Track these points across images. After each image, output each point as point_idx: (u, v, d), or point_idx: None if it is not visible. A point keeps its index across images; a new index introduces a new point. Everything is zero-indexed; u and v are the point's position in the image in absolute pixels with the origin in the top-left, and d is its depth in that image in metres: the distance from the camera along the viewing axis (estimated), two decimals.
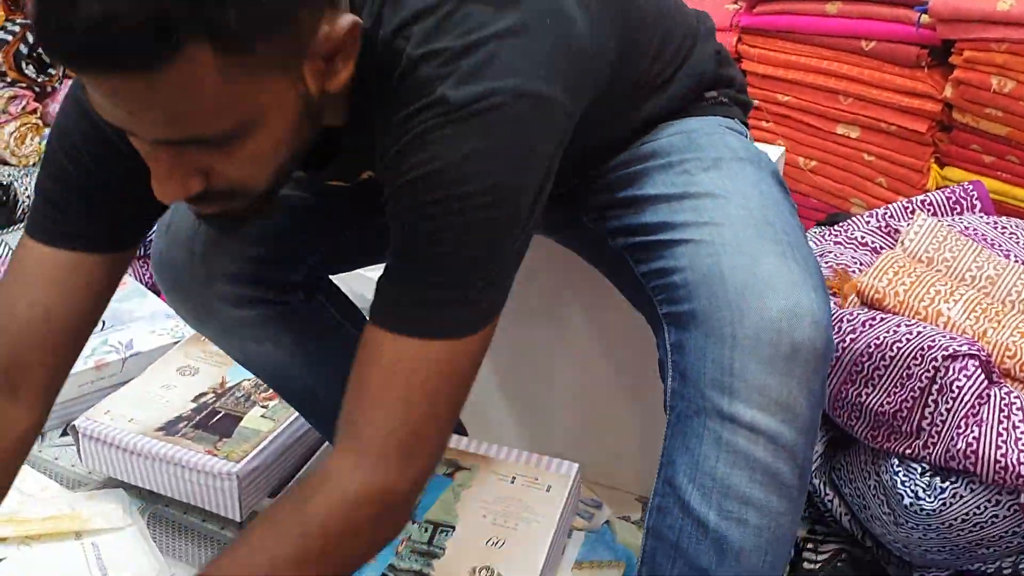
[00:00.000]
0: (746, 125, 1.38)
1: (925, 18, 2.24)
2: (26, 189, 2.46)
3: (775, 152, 1.75)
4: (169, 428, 1.69)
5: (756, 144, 1.35)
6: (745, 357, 1.04)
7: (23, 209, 2.46)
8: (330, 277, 1.46)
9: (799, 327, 1.04)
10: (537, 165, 1.01)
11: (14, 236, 2.34)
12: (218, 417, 1.73)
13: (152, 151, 0.90)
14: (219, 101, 0.85)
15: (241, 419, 1.72)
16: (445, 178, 0.95)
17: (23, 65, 2.60)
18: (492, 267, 1.01)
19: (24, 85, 2.66)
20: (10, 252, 2.30)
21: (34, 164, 2.70)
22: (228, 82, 0.85)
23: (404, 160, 0.96)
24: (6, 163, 2.67)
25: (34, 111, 2.70)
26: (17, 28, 2.57)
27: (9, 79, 2.62)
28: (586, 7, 1.05)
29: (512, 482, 1.40)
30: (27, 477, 1.76)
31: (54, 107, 2.74)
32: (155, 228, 1.31)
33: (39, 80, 2.65)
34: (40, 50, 2.60)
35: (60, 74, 2.69)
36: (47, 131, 2.74)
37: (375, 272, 1.92)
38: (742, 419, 1.04)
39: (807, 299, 1.06)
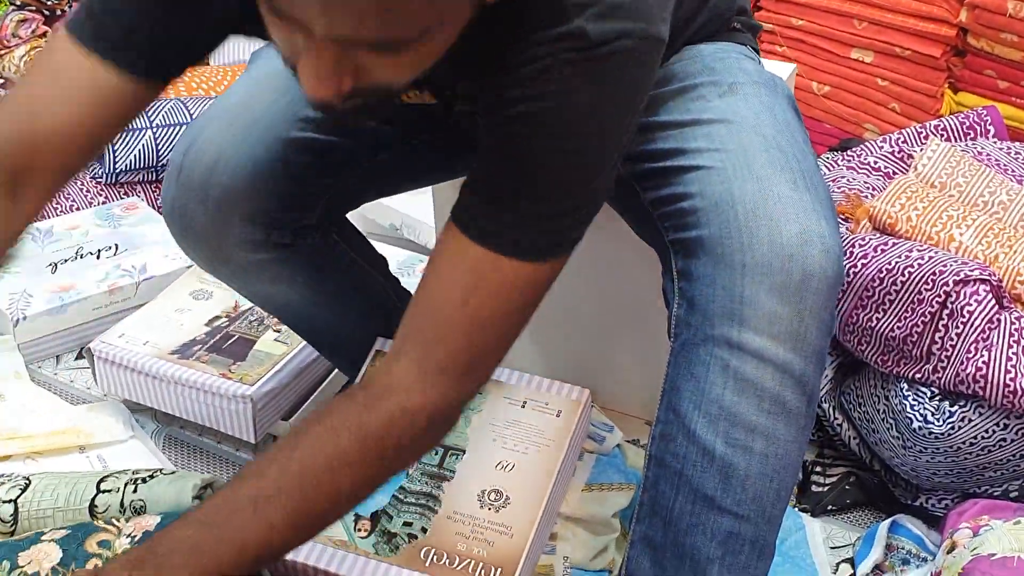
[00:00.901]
0: (757, 50, 1.36)
1: None
2: None
3: (786, 70, 1.74)
4: (183, 351, 1.71)
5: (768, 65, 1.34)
6: (755, 285, 1.03)
7: None
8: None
9: (810, 255, 1.04)
10: (640, 104, 1.02)
11: None
12: (232, 340, 1.74)
13: (319, 48, 0.86)
14: (422, 4, 0.84)
15: (255, 342, 1.73)
16: (567, 114, 0.96)
17: None
18: (588, 199, 1.02)
19: (33, 8, 2.63)
20: None
21: None
22: None
23: (530, 85, 0.96)
24: None
25: (44, 34, 2.68)
26: None
27: (19, 2, 2.60)
28: None
29: (523, 407, 1.41)
30: (22, 388, 1.79)
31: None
32: (167, 172, 1.30)
33: (48, 3, 2.63)
34: None
35: None
36: None
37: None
38: (750, 347, 1.04)
39: (818, 226, 1.05)
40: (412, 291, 1.13)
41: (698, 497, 1.08)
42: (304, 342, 1.72)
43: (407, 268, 1.97)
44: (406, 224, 2.16)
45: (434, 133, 1.36)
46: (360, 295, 1.44)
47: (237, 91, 1.31)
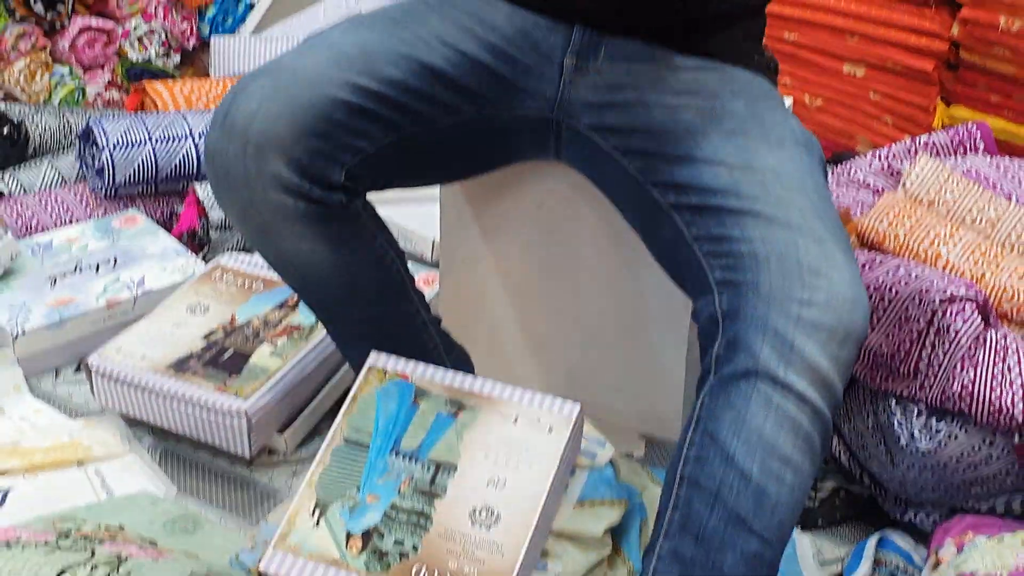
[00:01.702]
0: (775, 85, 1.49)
1: None
2: (37, 126, 2.47)
3: (786, 102, 1.77)
4: (179, 365, 1.72)
5: None
6: (806, 336, 1.14)
7: (34, 146, 2.47)
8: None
9: (856, 320, 1.16)
10: None
11: (26, 173, 2.35)
12: (228, 354, 1.75)
13: None
14: None
15: (250, 356, 1.75)
16: None
17: (31, 2, 2.60)
18: None
19: (33, 22, 2.65)
20: (23, 190, 2.32)
21: (44, 101, 2.71)
22: None
23: None
24: (16, 100, 2.68)
25: (43, 48, 2.70)
26: None
27: (18, 15, 2.62)
28: None
29: (515, 422, 1.42)
30: (21, 401, 1.81)
31: (63, 43, 2.74)
32: (211, 120, 1.35)
33: (47, 17, 2.65)
34: None
35: (68, 10, 2.69)
36: (57, 68, 2.74)
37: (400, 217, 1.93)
38: (794, 388, 1.14)
39: (863, 296, 1.18)
40: None
41: (732, 517, 1.16)
42: (299, 355, 1.74)
43: None
44: (403, 235, 2.19)
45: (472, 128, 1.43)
46: (377, 271, 1.47)
47: (286, 55, 1.38)
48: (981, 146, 1.93)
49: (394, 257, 1.48)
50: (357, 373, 1.51)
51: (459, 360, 1.62)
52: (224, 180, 1.35)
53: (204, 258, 2.19)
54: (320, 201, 1.34)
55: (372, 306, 1.50)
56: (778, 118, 1.34)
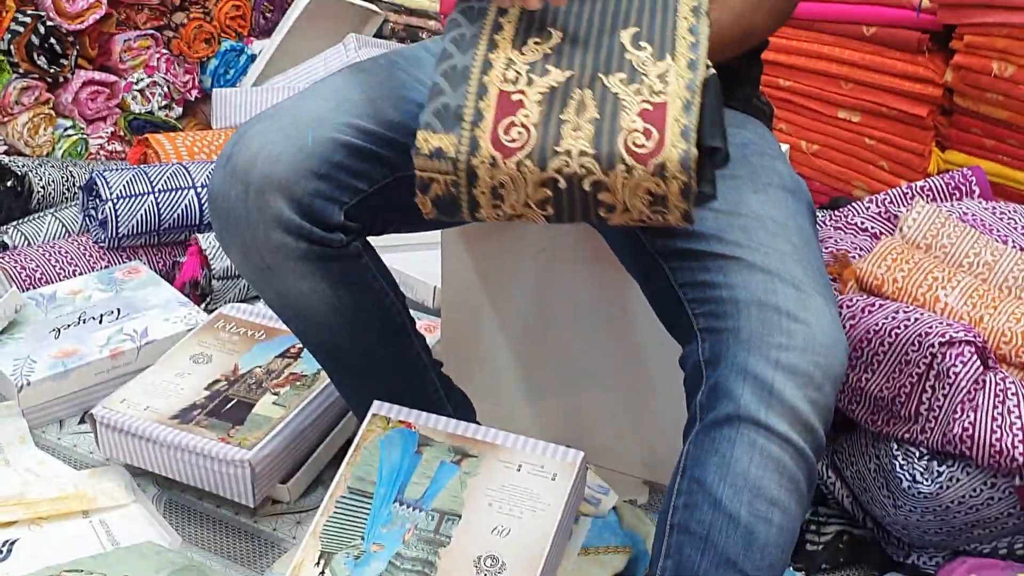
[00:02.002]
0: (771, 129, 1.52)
1: (926, 3, 2.25)
2: (40, 179, 2.50)
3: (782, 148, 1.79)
4: (183, 416, 1.73)
5: None
6: (785, 380, 1.15)
7: (38, 199, 2.49)
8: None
9: (834, 363, 1.18)
10: None
11: (30, 225, 2.37)
12: (231, 404, 1.76)
13: None
14: None
15: (253, 406, 1.75)
16: None
17: (35, 56, 2.62)
18: None
19: (36, 76, 2.68)
20: (27, 242, 2.33)
21: (47, 154, 2.73)
22: None
23: None
24: (20, 153, 2.70)
25: (46, 101, 2.72)
26: (28, 19, 2.59)
27: (22, 70, 2.64)
28: None
29: (518, 470, 1.43)
30: (26, 452, 1.82)
31: (66, 97, 2.76)
32: (215, 163, 1.38)
33: (51, 71, 2.67)
34: (51, 41, 2.63)
35: (71, 64, 2.72)
36: (60, 121, 2.76)
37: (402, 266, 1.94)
38: (776, 430, 1.15)
39: (842, 339, 1.19)
40: None
41: (722, 560, 1.17)
42: (302, 404, 1.75)
43: None
44: (404, 282, 2.20)
45: None
46: (377, 313, 1.48)
47: (287, 100, 1.41)
48: (977, 190, 1.95)
49: (394, 299, 1.49)
50: (359, 418, 1.52)
51: (460, 405, 1.63)
52: (226, 221, 1.37)
53: (206, 308, 2.21)
54: (320, 241, 1.36)
55: (372, 348, 1.51)
56: (766, 162, 1.35)
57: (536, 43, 1.16)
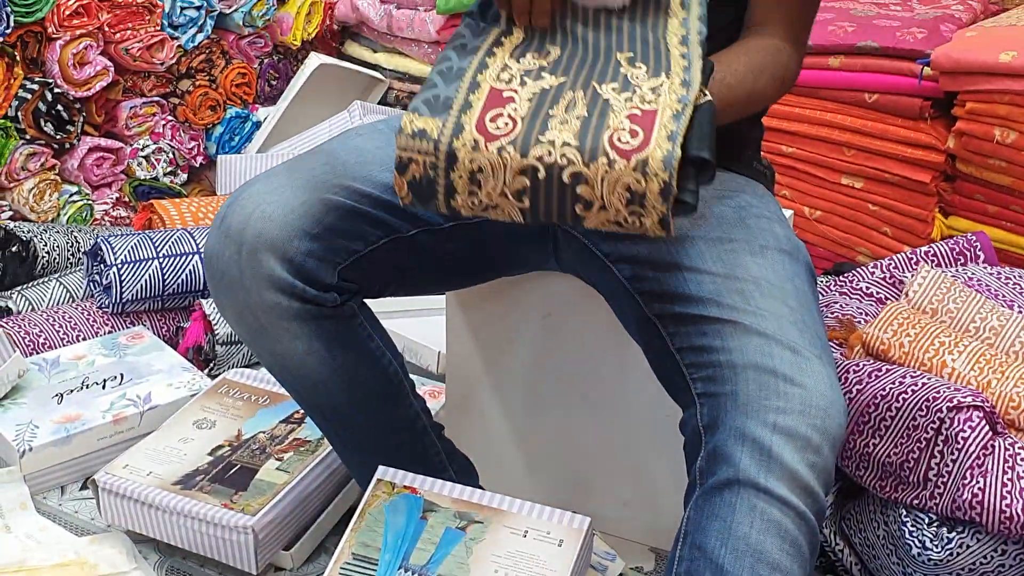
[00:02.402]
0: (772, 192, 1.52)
1: (927, 71, 2.27)
2: (45, 245, 2.50)
3: (787, 214, 1.80)
4: (186, 482, 1.72)
5: None
6: (783, 444, 1.15)
7: (42, 264, 2.49)
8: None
9: (832, 426, 1.16)
10: None
11: (34, 290, 2.37)
12: (234, 470, 1.75)
13: None
14: None
15: (257, 472, 1.74)
16: None
17: (41, 122, 2.65)
18: None
19: (43, 142, 2.70)
20: (31, 308, 2.34)
21: (52, 220, 2.74)
22: None
23: None
24: (25, 219, 2.71)
25: (52, 168, 2.74)
26: (36, 86, 2.62)
27: (28, 136, 2.66)
28: None
29: (524, 536, 1.42)
30: (27, 518, 1.80)
31: (72, 163, 2.78)
32: (211, 225, 1.39)
33: (57, 137, 2.69)
34: (58, 107, 2.65)
35: (78, 131, 2.74)
36: (65, 187, 2.78)
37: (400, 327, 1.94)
38: (776, 493, 1.14)
39: (840, 401, 1.18)
40: None
41: None
42: (305, 470, 1.74)
43: None
44: (409, 348, 2.19)
45: (464, 246, 1.46)
46: (374, 373, 1.48)
47: (283, 163, 1.43)
48: (982, 256, 1.95)
49: (391, 360, 1.49)
50: (358, 481, 1.51)
51: (463, 469, 1.62)
52: (221, 282, 1.38)
53: (210, 374, 2.20)
54: (314, 301, 1.37)
55: (370, 410, 1.50)
56: (763, 224, 1.35)
57: (534, 57, 1.18)
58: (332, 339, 1.41)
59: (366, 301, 1.47)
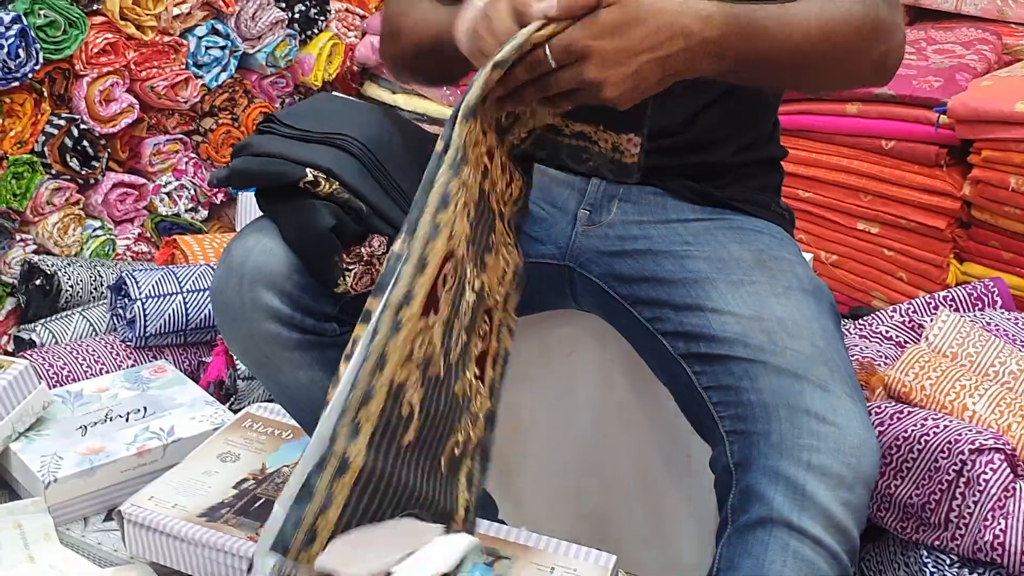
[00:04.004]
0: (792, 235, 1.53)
1: (943, 118, 2.30)
2: (69, 278, 2.53)
3: (807, 257, 1.82)
4: (211, 514, 1.73)
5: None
6: (817, 483, 1.15)
7: (66, 298, 2.52)
8: None
9: (864, 464, 1.17)
10: None
11: (58, 324, 2.40)
12: (259, 503, 1.76)
13: None
14: None
15: None
16: None
17: (67, 158, 2.68)
18: None
19: (68, 177, 2.72)
20: (55, 340, 2.36)
21: (76, 254, 2.76)
22: None
23: None
24: (49, 252, 2.73)
25: (77, 202, 2.77)
26: (63, 122, 2.65)
27: (54, 171, 2.69)
28: None
29: (551, 572, 1.43)
30: (51, 549, 1.81)
31: (96, 198, 2.81)
32: (218, 260, 1.43)
33: (82, 172, 2.72)
34: (84, 143, 2.68)
35: (103, 167, 2.77)
36: (89, 222, 2.80)
37: None
38: (809, 532, 1.15)
39: (871, 438, 1.19)
40: None
41: None
42: None
43: None
44: None
45: None
46: None
47: None
48: (999, 301, 1.97)
49: None
50: None
51: (481, 502, 1.62)
52: (224, 314, 1.40)
53: (231, 408, 2.22)
54: (313, 331, 1.39)
55: None
56: (784, 266, 1.37)
57: None
58: (335, 368, 1.43)
59: None
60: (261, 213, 1.47)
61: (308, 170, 1.37)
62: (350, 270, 1.37)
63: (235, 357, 1.48)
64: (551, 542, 1.47)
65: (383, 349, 1.00)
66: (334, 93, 3.08)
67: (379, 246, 1.40)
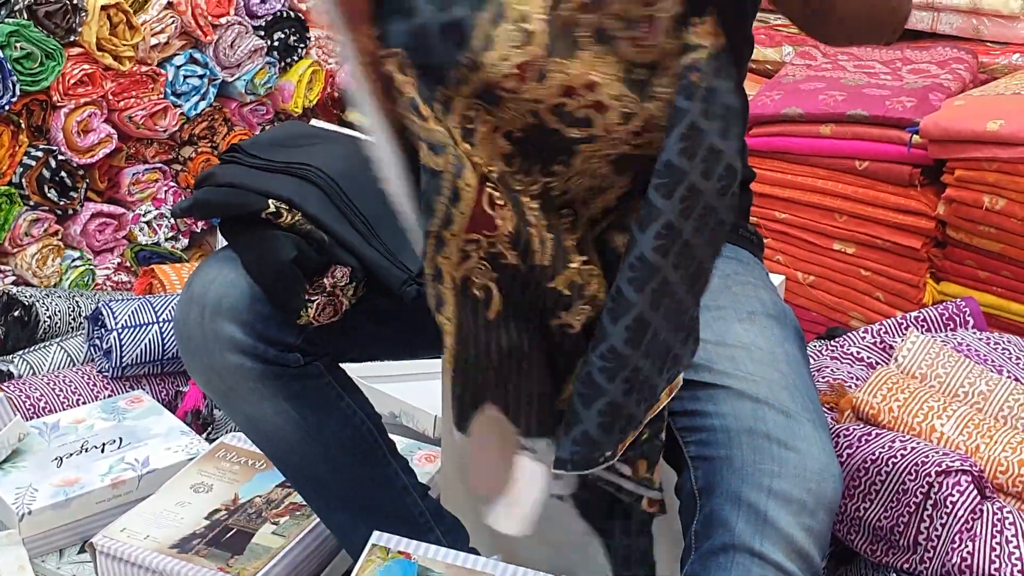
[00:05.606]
0: (761, 260, 1.52)
1: (917, 139, 2.31)
2: (47, 309, 2.53)
3: (776, 280, 1.81)
4: (183, 545, 1.73)
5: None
6: (779, 508, 1.15)
7: (44, 329, 2.52)
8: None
9: (827, 489, 1.17)
10: None
11: (35, 355, 2.39)
12: (230, 534, 1.76)
13: None
14: None
15: (253, 535, 1.75)
16: None
17: (45, 189, 2.68)
18: None
19: (46, 208, 2.73)
20: (32, 372, 2.36)
21: (55, 284, 2.76)
22: None
23: None
24: (28, 283, 2.74)
25: (55, 233, 2.77)
26: (40, 153, 2.66)
27: (32, 202, 2.70)
28: None
29: None
30: None
31: (75, 228, 2.82)
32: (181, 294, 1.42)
33: (60, 203, 2.73)
34: (62, 174, 2.69)
35: (81, 197, 2.77)
36: (68, 252, 2.81)
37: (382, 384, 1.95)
38: (771, 558, 1.15)
39: (833, 464, 1.19)
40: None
41: None
42: (301, 534, 1.75)
43: (407, 454, 1.99)
44: (405, 412, 2.21)
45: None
46: (346, 433, 1.48)
47: None
48: (971, 321, 1.97)
49: (363, 419, 1.50)
50: (340, 542, 1.50)
51: (451, 530, 1.61)
52: (187, 346, 1.41)
53: (208, 438, 2.21)
54: (276, 361, 1.39)
55: (346, 471, 1.51)
56: (748, 291, 1.37)
57: None
58: (300, 399, 1.43)
59: (343, 363, 1.49)
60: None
61: (270, 201, 1.38)
62: (312, 301, 1.37)
63: (200, 387, 1.47)
64: (518, 571, 1.46)
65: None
66: (305, 121, 3.10)
67: (342, 277, 1.40)
